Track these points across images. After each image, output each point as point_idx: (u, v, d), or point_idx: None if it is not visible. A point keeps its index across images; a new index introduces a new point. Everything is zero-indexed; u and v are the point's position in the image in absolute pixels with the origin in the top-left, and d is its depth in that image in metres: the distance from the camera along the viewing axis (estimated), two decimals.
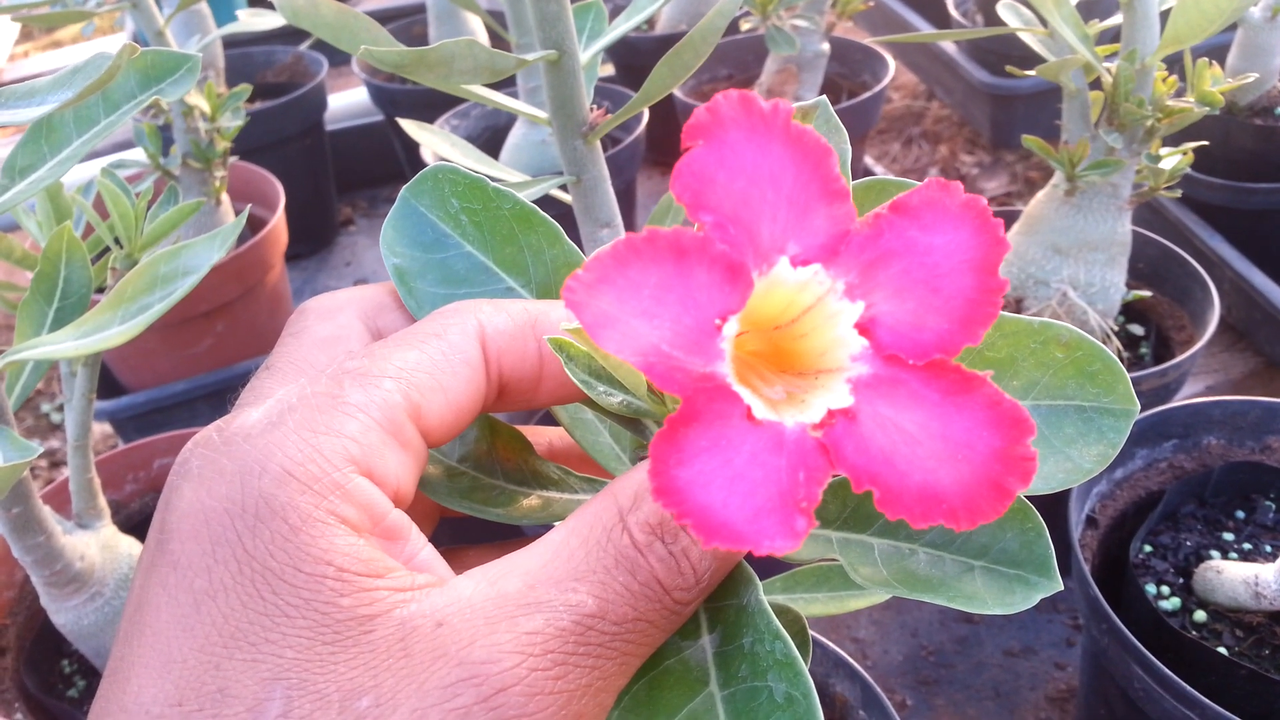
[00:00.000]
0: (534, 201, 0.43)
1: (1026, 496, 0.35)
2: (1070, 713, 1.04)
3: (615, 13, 1.90)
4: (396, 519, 0.34)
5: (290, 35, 2.08)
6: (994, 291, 0.28)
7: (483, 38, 1.80)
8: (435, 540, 0.36)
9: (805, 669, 0.32)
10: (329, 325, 0.40)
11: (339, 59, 2.22)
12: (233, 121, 1.26)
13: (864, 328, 0.29)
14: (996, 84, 1.82)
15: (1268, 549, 0.90)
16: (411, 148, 1.68)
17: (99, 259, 0.75)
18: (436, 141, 0.81)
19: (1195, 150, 1.00)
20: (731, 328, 0.27)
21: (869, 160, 1.90)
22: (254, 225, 1.45)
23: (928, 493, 0.26)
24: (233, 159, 1.34)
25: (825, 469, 0.27)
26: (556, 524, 0.35)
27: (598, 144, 0.70)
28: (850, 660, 0.78)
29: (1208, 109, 0.93)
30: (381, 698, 0.29)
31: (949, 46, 1.93)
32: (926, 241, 0.28)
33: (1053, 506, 0.82)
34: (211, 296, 1.36)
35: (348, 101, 2.10)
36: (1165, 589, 0.86)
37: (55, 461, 1.57)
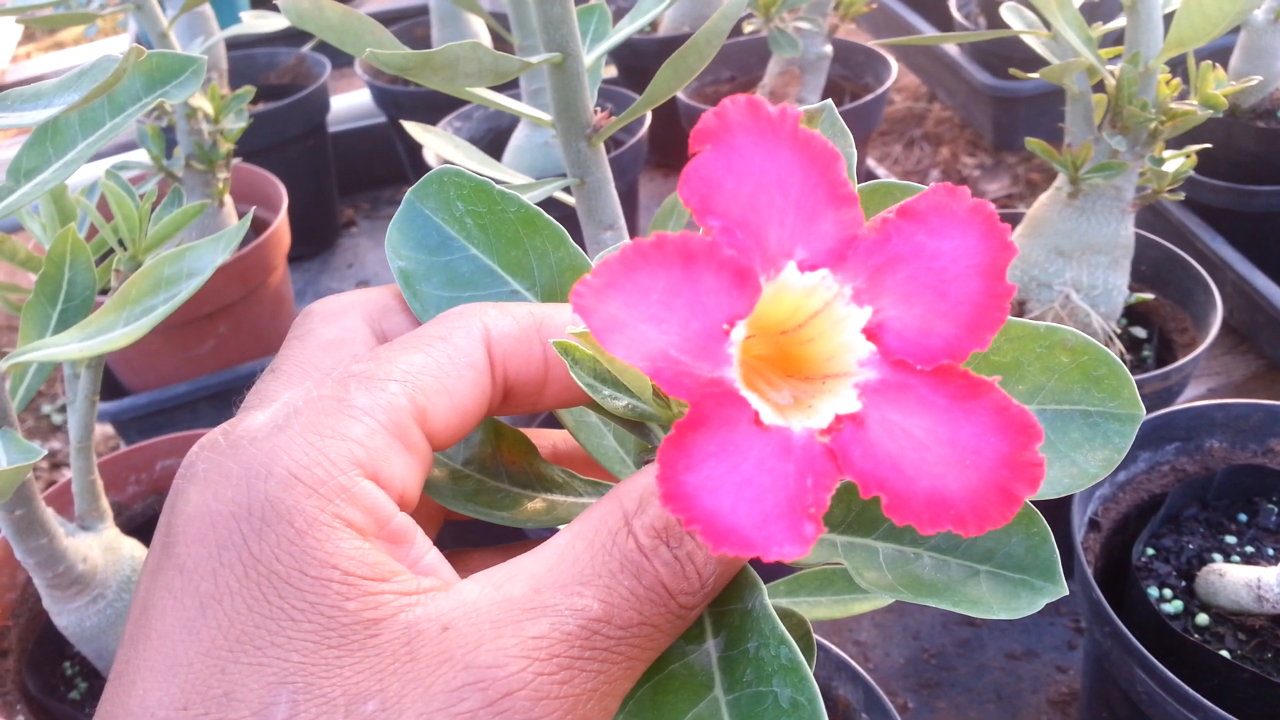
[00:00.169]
0: (537, 204, 0.43)
1: (1031, 501, 0.35)
2: (1072, 716, 1.04)
3: (618, 15, 1.90)
4: (402, 522, 0.34)
5: (293, 37, 2.08)
6: (1002, 297, 0.28)
7: (485, 40, 1.80)
8: (439, 543, 0.36)
9: (810, 674, 0.32)
10: (334, 328, 0.40)
11: (342, 61, 2.23)
12: (236, 123, 1.26)
13: (872, 333, 0.29)
14: (998, 86, 1.82)
15: (1270, 552, 0.89)
16: (414, 149, 1.68)
17: (103, 261, 0.75)
18: (440, 143, 0.81)
19: (1198, 153, 1.00)
20: (739, 333, 0.27)
21: (871, 162, 1.91)
22: (257, 227, 1.45)
23: (935, 499, 0.26)
24: (236, 161, 1.34)
25: (833, 475, 0.26)
26: (561, 528, 0.35)
27: (601, 146, 0.70)
28: (853, 663, 0.78)
29: (1211, 112, 0.93)
30: (387, 702, 0.29)
31: (951, 49, 1.93)
32: (934, 246, 0.28)
33: (1055, 509, 0.82)
34: (214, 298, 1.36)
35: (350, 103, 2.10)
36: (1168, 592, 0.86)
37: (56, 463, 1.57)
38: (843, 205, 0.28)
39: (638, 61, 1.92)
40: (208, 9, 1.43)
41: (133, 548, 0.86)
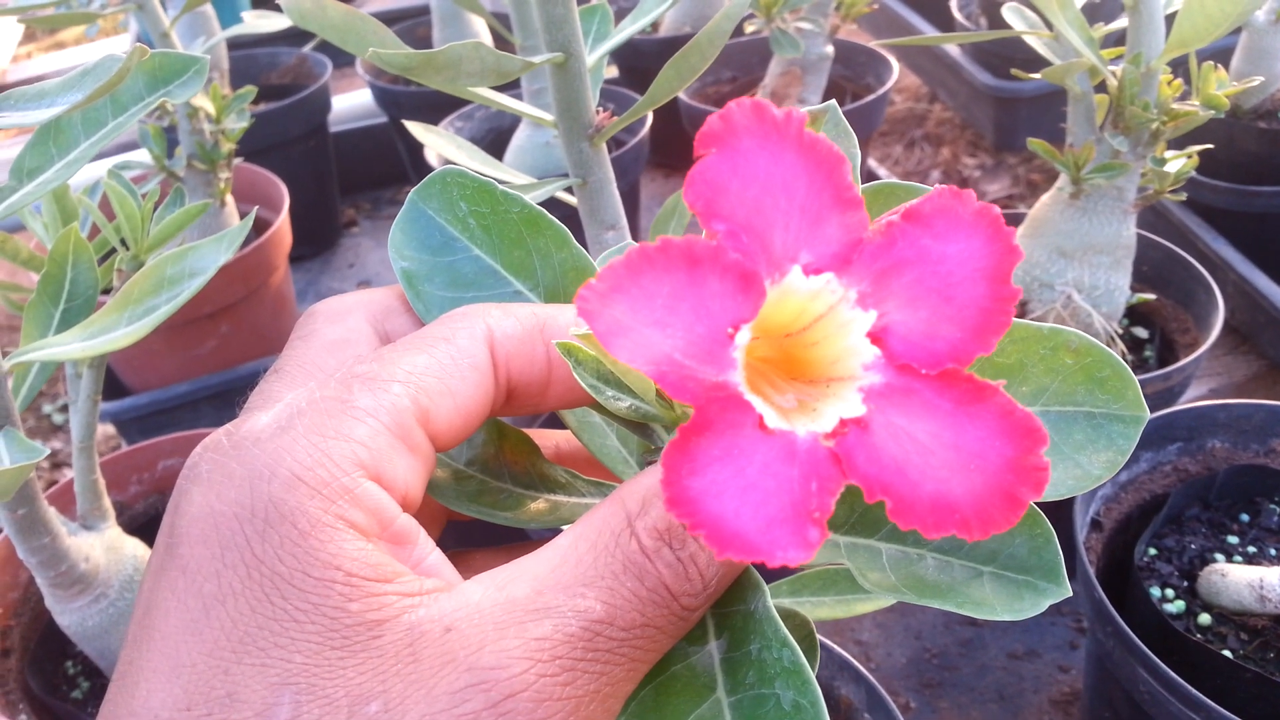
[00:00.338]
0: (539, 204, 0.43)
1: (1034, 502, 0.35)
2: (1074, 716, 1.04)
3: (620, 15, 1.90)
4: (405, 523, 0.34)
5: (294, 37, 2.08)
6: (1007, 300, 0.28)
7: (487, 40, 1.80)
8: (442, 544, 0.36)
9: (813, 676, 0.32)
10: (337, 329, 0.40)
11: (343, 61, 2.23)
12: (237, 123, 1.26)
13: (876, 336, 0.29)
14: (999, 86, 1.82)
15: (1272, 552, 0.89)
16: (415, 149, 1.68)
17: (105, 260, 0.75)
18: (441, 143, 0.81)
19: (1200, 153, 1.00)
20: (744, 336, 0.27)
21: (872, 162, 1.91)
22: (258, 227, 1.45)
23: (940, 503, 0.26)
24: (237, 160, 1.34)
25: (838, 479, 0.26)
26: (564, 528, 0.35)
27: (603, 146, 0.70)
28: (855, 663, 0.78)
29: (1212, 112, 0.93)
30: (390, 703, 0.29)
31: (952, 49, 1.93)
32: (939, 250, 0.28)
33: (1057, 509, 0.82)
34: (216, 298, 1.36)
35: (352, 103, 2.10)
36: (1170, 592, 0.86)
37: (57, 463, 1.57)
38: (848, 208, 0.28)
39: (639, 62, 1.92)
40: (209, 9, 1.43)
41: (135, 547, 0.86)
